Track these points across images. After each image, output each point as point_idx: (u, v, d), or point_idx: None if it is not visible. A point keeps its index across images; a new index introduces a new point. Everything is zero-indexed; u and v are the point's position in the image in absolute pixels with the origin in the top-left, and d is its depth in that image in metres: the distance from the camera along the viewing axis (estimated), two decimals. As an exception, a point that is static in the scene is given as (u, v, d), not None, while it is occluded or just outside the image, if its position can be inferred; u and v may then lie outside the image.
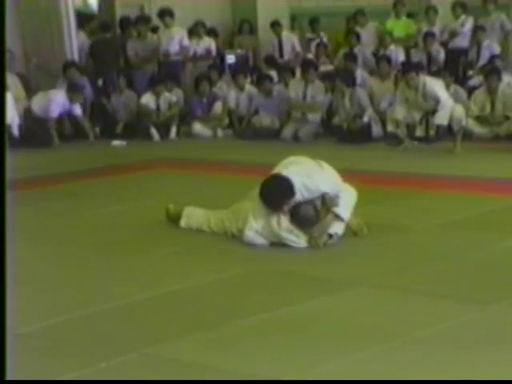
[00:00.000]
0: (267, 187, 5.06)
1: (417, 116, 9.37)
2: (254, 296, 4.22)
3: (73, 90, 10.55)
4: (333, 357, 3.35)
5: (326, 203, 5.10)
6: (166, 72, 11.79)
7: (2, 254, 2.87)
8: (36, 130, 10.34)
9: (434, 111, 9.15)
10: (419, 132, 9.43)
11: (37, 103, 10.61)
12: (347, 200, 5.07)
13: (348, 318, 3.85)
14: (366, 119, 9.88)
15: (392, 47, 12.04)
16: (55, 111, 10.46)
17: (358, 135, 9.73)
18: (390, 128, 9.40)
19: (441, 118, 9.05)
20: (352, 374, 3.19)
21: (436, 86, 9.21)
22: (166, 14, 11.94)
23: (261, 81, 10.88)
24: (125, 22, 12.61)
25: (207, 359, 3.38)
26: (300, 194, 5.02)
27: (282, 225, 5.03)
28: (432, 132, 9.26)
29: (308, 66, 10.72)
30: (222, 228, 5.41)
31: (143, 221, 5.93)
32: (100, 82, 11.40)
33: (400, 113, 9.27)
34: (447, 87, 9.57)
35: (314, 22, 13.68)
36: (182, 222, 5.65)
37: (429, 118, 9.30)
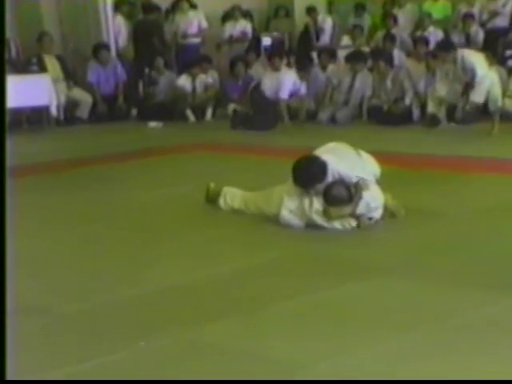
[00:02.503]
0: (300, 167, 5.06)
1: (458, 91, 9.22)
2: (288, 280, 4.21)
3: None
4: (365, 344, 3.32)
5: (358, 188, 5.06)
6: (185, 54, 11.82)
7: (2, 252, 2.86)
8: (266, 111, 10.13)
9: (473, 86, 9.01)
10: (459, 113, 9.33)
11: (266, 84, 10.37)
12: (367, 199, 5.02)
13: (380, 304, 3.81)
14: (407, 101, 9.80)
15: (431, 29, 11.93)
16: (286, 92, 10.26)
17: (399, 118, 9.66)
18: (430, 108, 9.29)
19: (477, 95, 8.89)
20: (383, 361, 3.17)
21: (475, 59, 9.01)
22: None
23: (300, 61, 10.86)
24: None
25: (243, 344, 3.38)
26: (332, 177, 5.01)
27: (314, 207, 5.02)
28: (468, 108, 9.13)
29: (357, 56, 10.65)
30: (258, 210, 5.42)
31: (180, 204, 5.95)
32: (159, 61, 11.36)
33: (442, 89, 9.15)
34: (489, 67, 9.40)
35: (358, 8, 13.56)
36: (221, 201, 5.66)
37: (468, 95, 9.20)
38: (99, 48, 11.23)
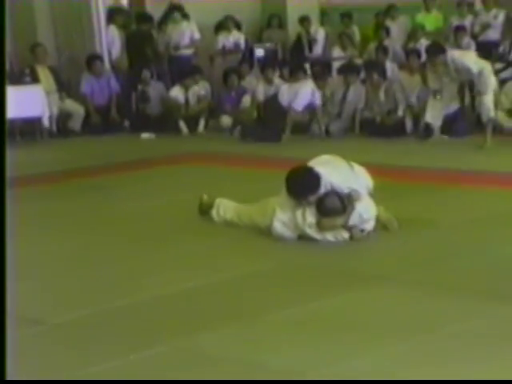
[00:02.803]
0: (294, 177, 5.07)
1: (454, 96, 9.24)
2: (283, 290, 4.23)
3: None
4: (362, 352, 3.35)
5: (350, 199, 5.07)
6: (178, 66, 11.84)
7: (2, 253, 2.85)
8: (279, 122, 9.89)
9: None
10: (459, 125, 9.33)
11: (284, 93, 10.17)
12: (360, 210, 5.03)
13: (377, 313, 3.85)
14: (400, 113, 9.83)
15: (423, 41, 11.99)
16: (300, 104, 10.02)
17: (392, 130, 9.67)
18: (427, 118, 9.24)
19: (484, 85, 8.80)
20: (381, 368, 3.19)
21: (466, 58, 8.94)
22: (175, 9, 12.01)
23: (295, 72, 10.87)
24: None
25: (237, 353, 3.40)
26: (324, 188, 5.02)
27: (307, 219, 5.03)
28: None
29: (350, 68, 10.67)
30: (251, 222, 5.43)
31: (172, 214, 5.96)
32: (146, 73, 11.33)
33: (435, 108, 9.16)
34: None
35: (344, 17, 13.62)
36: (214, 213, 5.67)
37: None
38: (92, 59, 11.23)
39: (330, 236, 5.04)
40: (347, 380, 3.05)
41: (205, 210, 5.74)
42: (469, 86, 9.60)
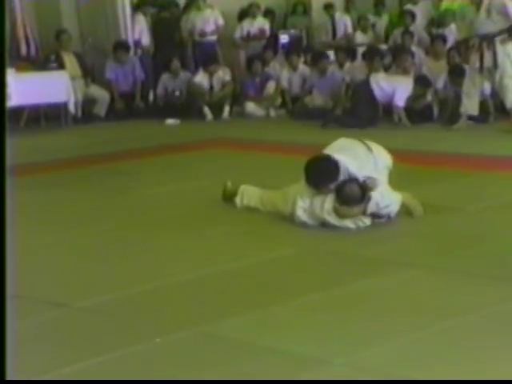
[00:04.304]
0: (312, 166, 5.05)
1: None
2: (305, 276, 4.22)
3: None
4: (384, 338, 3.33)
5: (366, 188, 5.01)
6: (202, 52, 11.82)
7: (3, 254, 2.86)
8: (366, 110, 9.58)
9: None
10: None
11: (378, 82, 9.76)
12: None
13: (399, 299, 3.82)
14: (429, 98, 9.71)
15: (452, 26, 11.89)
16: (401, 99, 9.59)
17: (420, 115, 9.59)
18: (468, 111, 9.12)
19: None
20: (403, 355, 3.17)
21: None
22: None
23: (317, 58, 10.82)
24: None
25: (260, 339, 3.39)
26: (343, 176, 5.00)
27: (325, 207, 4.99)
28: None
29: (373, 53, 10.59)
30: (275, 209, 5.42)
31: (195, 200, 5.97)
32: (176, 63, 11.30)
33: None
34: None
35: (378, 4, 13.49)
36: (237, 200, 5.67)
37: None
38: (118, 47, 11.25)
39: (349, 223, 5.01)
40: (347, 380, 3.02)
41: (228, 196, 5.74)
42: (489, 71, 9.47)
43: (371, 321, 3.53)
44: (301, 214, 5.09)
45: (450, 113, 9.40)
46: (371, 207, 5.00)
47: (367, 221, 5.04)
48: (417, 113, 9.63)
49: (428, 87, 9.63)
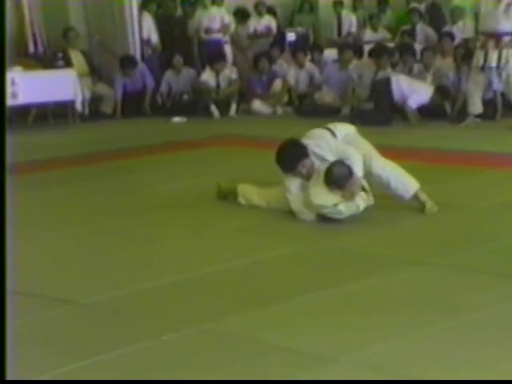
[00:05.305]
0: (281, 153, 5.26)
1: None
2: (310, 273, 4.22)
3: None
4: (389, 335, 3.33)
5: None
6: (208, 50, 11.80)
7: (2, 253, 2.87)
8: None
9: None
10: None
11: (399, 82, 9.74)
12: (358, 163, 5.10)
13: (406, 296, 3.82)
14: (448, 109, 9.64)
15: (460, 23, 11.86)
16: (416, 101, 9.55)
17: (432, 113, 9.54)
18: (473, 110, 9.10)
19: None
20: (408, 353, 3.17)
21: None
22: None
23: (342, 51, 10.81)
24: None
25: (266, 336, 3.39)
26: (316, 161, 5.14)
27: (319, 202, 5.02)
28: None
29: (382, 51, 10.58)
30: (279, 205, 5.42)
31: (202, 197, 5.96)
32: (178, 58, 11.27)
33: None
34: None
35: (382, 3, 13.48)
36: (242, 200, 5.68)
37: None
38: (125, 63, 11.10)
39: (344, 208, 4.99)
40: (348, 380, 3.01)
41: (223, 195, 5.76)
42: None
43: (378, 318, 3.53)
44: (296, 208, 5.14)
45: (458, 110, 9.37)
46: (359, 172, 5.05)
47: (360, 202, 5.05)
48: (427, 111, 9.59)
49: (447, 98, 9.62)
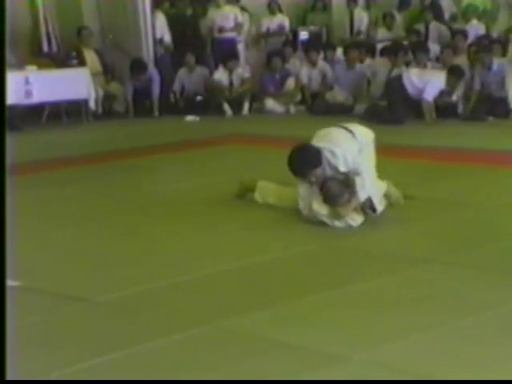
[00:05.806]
0: (294, 157, 5.04)
1: None
2: (323, 272, 4.22)
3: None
4: (401, 335, 3.32)
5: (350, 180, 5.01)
6: (221, 48, 11.80)
7: (2, 248, 2.87)
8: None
9: None
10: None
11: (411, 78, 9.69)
12: (366, 181, 4.98)
13: (416, 295, 3.81)
14: (454, 98, 9.63)
15: (474, 21, 11.82)
16: (431, 94, 9.49)
17: (444, 112, 9.51)
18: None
19: None
20: (421, 351, 3.17)
21: None
22: None
23: (348, 49, 10.81)
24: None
25: (278, 334, 3.39)
26: (327, 167, 4.98)
27: (321, 210, 4.98)
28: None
29: (397, 49, 10.55)
30: (294, 205, 5.42)
31: (214, 195, 5.97)
32: (190, 57, 11.27)
33: None
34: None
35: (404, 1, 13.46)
36: (257, 196, 5.68)
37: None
38: (135, 68, 11.09)
39: (338, 222, 4.96)
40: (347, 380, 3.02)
41: (243, 192, 5.76)
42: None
43: (389, 317, 3.53)
44: (305, 213, 5.09)
45: (472, 108, 9.35)
46: (362, 196, 4.96)
47: (359, 219, 5.00)
48: (441, 108, 9.55)
49: (461, 77, 9.49)
